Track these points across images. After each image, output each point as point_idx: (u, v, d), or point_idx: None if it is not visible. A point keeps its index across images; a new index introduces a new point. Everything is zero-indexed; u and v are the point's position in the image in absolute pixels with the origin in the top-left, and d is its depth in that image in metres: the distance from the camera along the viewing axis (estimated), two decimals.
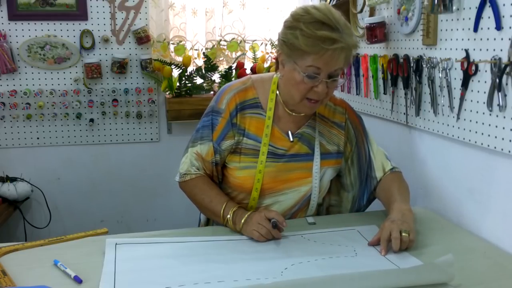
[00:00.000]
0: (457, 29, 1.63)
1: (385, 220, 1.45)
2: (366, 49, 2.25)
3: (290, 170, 1.61)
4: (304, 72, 1.45)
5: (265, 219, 1.47)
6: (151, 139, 3.08)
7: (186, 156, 1.65)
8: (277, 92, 1.62)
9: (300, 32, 1.43)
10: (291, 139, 1.61)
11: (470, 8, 1.56)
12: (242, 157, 1.60)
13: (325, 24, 1.42)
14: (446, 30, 1.69)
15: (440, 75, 1.72)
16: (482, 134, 1.54)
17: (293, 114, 1.61)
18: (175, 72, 2.94)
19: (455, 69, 1.66)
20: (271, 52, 3.10)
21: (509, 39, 1.39)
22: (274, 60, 2.81)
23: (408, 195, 1.62)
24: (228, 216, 1.52)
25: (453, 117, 1.68)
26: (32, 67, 2.83)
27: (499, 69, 1.43)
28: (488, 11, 1.48)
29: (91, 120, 2.94)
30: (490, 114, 1.50)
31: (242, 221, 1.49)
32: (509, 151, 1.43)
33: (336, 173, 1.71)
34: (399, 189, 1.61)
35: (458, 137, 1.66)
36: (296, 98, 1.51)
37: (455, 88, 1.67)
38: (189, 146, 1.66)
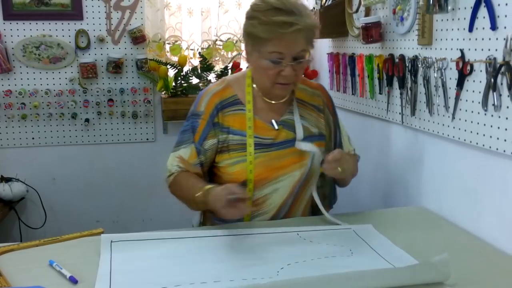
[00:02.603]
0: (452, 29, 1.64)
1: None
2: (362, 49, 2.25)
3: (281, 157, 1.63)
4: (268, 59, 1.51)
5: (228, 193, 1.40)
6: (147, 139, 3.07)
7: (168, 161, 1.66)
8: (253, 85, 1.65)
9: (258, 21, 1.50)
10: (276, 127, 1.64)
11: (465, 8, 1.56)
12: (231, 153, 1.61)
13: (280, 9, 1.48)
14: (442, 30, 1.69)
15: (436, 75, 1.72)
16: (477, 133, 1.55)
17: (272, 102, 1.65)
18: (171, 72, 2.94)
19: (450, 69, 1.66)
20: None
21: (504, 39, 1.40)
22: None
23: (355, 167, 1.72)
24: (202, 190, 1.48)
25: (448, 116, 1.68)
26: (27, 67, 2.82)
27: (494, 69, 1.44)
28: (483, 11, 1.48)
29: (87, 120, 2.94)
30: (485, 114, 1.51)
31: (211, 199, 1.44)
32: (504, 151, 1.44)
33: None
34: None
35: (453, 137, 1.67)
36: (267, 85, 1.57)
37: (450, 88, 1.67)
38: (171, 152, 1.67)
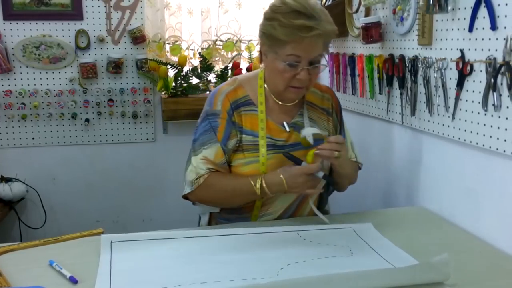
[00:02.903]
0: (452, 29, 1.64)
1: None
2: (362, 49, 2.25)
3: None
4: (285, 61, 1.50)
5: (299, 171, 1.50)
6: (147, 139, 3.07)
7: (191, 165, 1.60)
8: (265, 86, 1.65)
9: (278, 23, 1.48)
10: (287, 129, 1.63)
11: (465, 8, 1.56)
12: (246, 153, 1.61)
13: (301, 13, 1.47)
14: (441, 30, 1.69)
15: (436, 75, 1.72)
16: (477, 133, 1.55)
17: (281, 103, 1.64)
18: (171, 72, 2.94)
19: (450, 69, 1.66)
20: None
21: (504, 39, 1.40)
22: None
23: (353, 171, 1.76)
24: (259, 181, 1.53)
25: (448, 117, 1.68)
26: (27, 67, 2.82)
27: (494, 69, 1.44)
28: (483, 11, 1.48)
29: (87, 120, 2.93)
30: (485, 114, 1.51)
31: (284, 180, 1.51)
32: (504, 151, 1.44)
33: None
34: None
35: (454, 137, 1.67)
36: (281, 87, 1.56)
37: (450, 88, 1.67)
38: (191, 157, 1.61)
